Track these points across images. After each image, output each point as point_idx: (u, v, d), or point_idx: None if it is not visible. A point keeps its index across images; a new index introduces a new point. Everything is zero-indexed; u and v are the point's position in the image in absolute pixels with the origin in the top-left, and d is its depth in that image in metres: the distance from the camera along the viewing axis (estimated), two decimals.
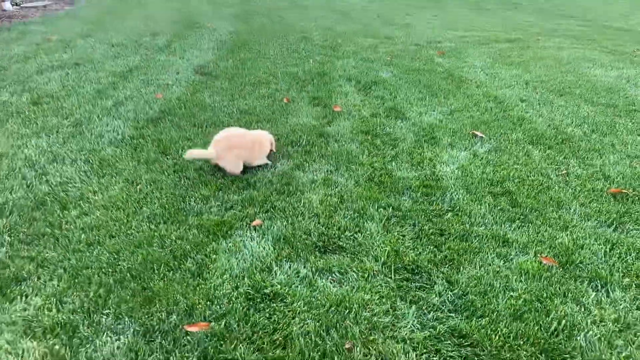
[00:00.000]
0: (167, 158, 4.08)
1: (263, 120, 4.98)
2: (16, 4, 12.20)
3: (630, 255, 2.93)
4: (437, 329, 2.35)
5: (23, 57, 7.19)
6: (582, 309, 2.49)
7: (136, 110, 5.17)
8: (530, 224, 3.23)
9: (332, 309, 2.46)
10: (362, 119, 5.08)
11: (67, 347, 2.22)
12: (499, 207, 3.43)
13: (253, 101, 5.57)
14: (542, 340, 2.27)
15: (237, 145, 3.75)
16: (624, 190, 3.67)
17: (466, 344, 2.28)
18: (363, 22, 11.74)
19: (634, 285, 2.68)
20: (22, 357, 2.17)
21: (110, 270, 2.71)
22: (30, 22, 10.01)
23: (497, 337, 2.29)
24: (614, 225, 3.25)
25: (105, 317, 2.39)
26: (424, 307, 2.50)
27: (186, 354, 2.18)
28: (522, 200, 3.52)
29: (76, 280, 2.63)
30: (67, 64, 6.89)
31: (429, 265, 2.80)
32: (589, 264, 2.83)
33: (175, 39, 8.88)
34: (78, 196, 3.48)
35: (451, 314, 2.46)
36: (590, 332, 2.34)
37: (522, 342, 2.27)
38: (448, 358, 2.20)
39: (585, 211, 3.40)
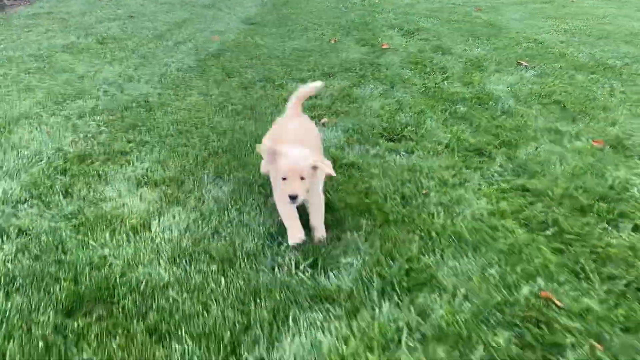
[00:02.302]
0: (233, 80, 4.40)
1: (315, 54, 5.27)
2: None
3: None
4: (502, 186, 2.62)
5: (79, 13, 7.60)
6: (633, 174, 2.73)
7: (197, 48, 5.51)
8: (580, 122, 3.47)
9: (405, 172, 2.75)
10: (410, 54, 5.33)
11: (179, 192, 2.56)
12: (549, 111, 3.66)
13: (303, 42, 5.86)
14: (600, 190, 2.53)
15: None
16: None
17: (530, 195, 2.54)
18: None
19: None
20: (141, 197, 2.51)
21: (203, 147, 3.05)
22: None
23: (558, 189, 2.55)
24: None
25: (206, 176, 2.72)
26: (487, 173, 2.77)
27: None
28: (570, 106, 3.75)
29: (174, 154, 2.97)
30: (122, 17, 7.27)
31: (489, 147, 3.07)
32: (638, 147, 3.06)
33: None
34: (160, 103, 3.83)
35: (513, 177, 2.72)
36: None
37: (581, 192, 2.52)
38: (515, 203, 2.46)
39: (633, 111, 3.61)
